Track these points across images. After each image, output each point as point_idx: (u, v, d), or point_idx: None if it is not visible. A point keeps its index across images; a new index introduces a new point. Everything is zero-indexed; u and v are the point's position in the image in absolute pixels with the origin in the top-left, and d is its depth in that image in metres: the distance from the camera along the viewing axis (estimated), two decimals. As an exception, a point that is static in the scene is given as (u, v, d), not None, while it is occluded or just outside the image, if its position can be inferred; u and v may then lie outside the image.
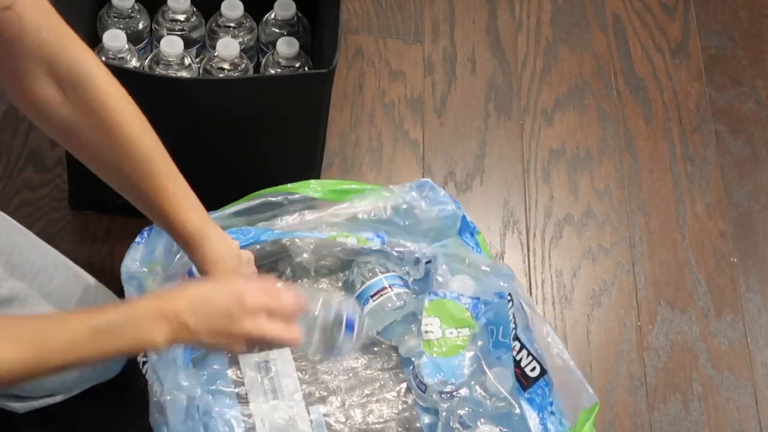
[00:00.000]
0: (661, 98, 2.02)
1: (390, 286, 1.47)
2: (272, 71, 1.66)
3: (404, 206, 1.52)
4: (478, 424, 1.40)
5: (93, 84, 1.16)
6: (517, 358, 1.40)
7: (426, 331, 1.45)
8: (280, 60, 1.66)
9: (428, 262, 1.52)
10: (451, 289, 1.49)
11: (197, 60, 1.70)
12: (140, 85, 1.47)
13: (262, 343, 1.21)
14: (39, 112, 1.17)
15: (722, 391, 1.71)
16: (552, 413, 1.40)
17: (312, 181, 1.52)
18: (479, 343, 1.48)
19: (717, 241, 1.87)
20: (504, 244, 1.82)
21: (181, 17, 1.70)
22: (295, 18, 1.73)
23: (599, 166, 1.93)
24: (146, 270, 1.42)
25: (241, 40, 1.68)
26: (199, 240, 1.24)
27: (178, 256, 1.40)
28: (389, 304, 1.46)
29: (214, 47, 1.66)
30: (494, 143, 1.93)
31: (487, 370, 1.44)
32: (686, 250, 1.85)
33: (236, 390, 1.43)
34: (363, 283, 1.49)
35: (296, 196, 1.50)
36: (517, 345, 1.41)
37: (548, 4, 2.12)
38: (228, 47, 1.63)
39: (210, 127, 1.54)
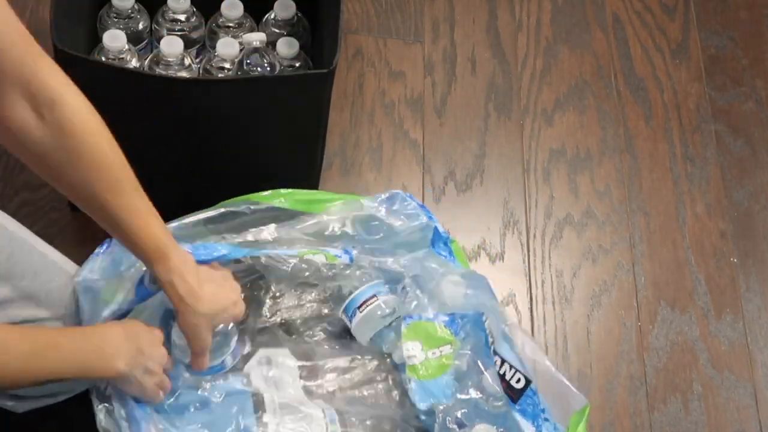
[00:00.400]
0: (661, 98, 2.02)
1: (376, 295, 1.46)
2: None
3: (374, 222, 1.49)
4: (475, 423, 1.40)
5: (69, 107, 1.19)
6: (501, 372, 1.40)
7: (408, 356, 1.43)
8: (280, 60, 1.67)
9: (403, 288, 1.51)
10: (425, 310, 1.48)
11: (197, 60, 1.70)
12: (140, 85, 1.48)
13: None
14: (14, 136, 1.20)
15: (722, 391, 1.71)
16: (546, 420, 1.39)
17: (280, 190, 1.48)
18: (468, 348, 1.47)
19: (717, 241, 1.87)
20: (504, 245, 1.82)
21: (181, 17, 1.70)
22: (295, 18, 1.73)
23: (599, 166, 1.93)
24: (104, 283, 1.41)
25: (241, 40, 1.68)
26: (164, 252, 1.27)
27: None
28: (378, 312, 1.45)
29: (214, 47, 1.66)
30: (494, 143, 1.93)
31: (483, 370, 1.44)
32: (686, 250, 1.85)
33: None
34: (351, 293, 1.48)
35: (262, 206, 1.47)
36: (498, 359, 1.40)
37: (548, 4, 2.12)
38: (228, 47, 1.63)
39: (209, 127, 1.54)
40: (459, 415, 1.41)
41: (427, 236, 1.52)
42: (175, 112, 1.50)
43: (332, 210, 1.48)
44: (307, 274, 1.43)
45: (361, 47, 2.02)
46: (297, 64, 1.68)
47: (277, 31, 1.73)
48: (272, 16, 1.73)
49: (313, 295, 1.49)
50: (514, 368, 1.39)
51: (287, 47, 1.67)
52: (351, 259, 1.45)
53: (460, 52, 2.03)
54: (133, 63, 1.64)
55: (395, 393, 1.47)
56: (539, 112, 1.98)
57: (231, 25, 1.71)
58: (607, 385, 1.70)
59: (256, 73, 1.62)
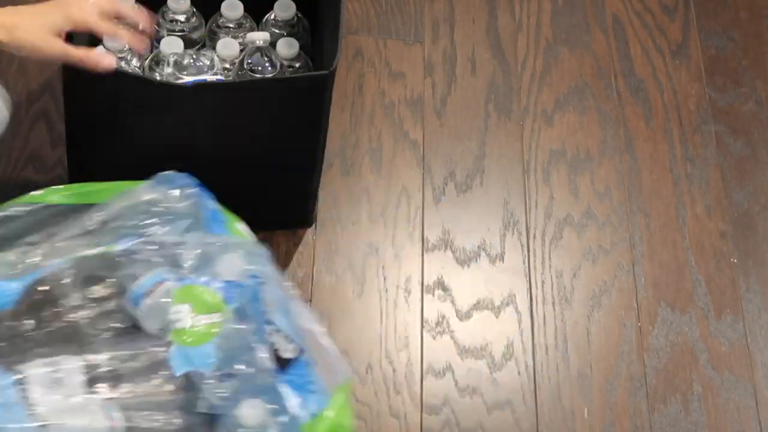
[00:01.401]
0: (661, 99, 2.02)
1: (162, 281, 1.41)
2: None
3: (154, 207, 1.46)
4: (241, 400, 1.35)
5: None
6: (272, 340, 1.36)
7: (175, 320, 1.37)
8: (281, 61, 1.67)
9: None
10: (202, 274, 1.43)
11: None
12: (137, 91, 1.47)
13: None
14: None
15: (722, 392, 1.71)
16: (312, 392, 1.37)
17: (56, 187, 1.45)
18: (240, 317, 1.41)
19: (717, 241, 1.87)
20: (504, 245, 1.82)
21: (181, 18, 1.70)
22: (295, 18, 1.73)
23: (599, 166, 1.93)
24: None
25: (241, 40, 1.68)
26: None
27: None
28: (164, 299, 1.39)
29: (214, 48, 1.66)
30: (494, 144, 1.93)
31: (253, 342, 1.38)
32: (686, 251, 1.85)
33: None
34: (134, 282, 1.44)
35: (39, 205, 1.43)
36: (271, 328, 1.37)
37: (548, 4, 2.12)
38: (228, 47, 1.63)
39: (207, 130, 1.54)
40: (226, 390, 1.39)
41: (205, 217, 1.50)
42: (174, 117, 1.49)
43: (111, 200, 1.44)
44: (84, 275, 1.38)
45: (361, 48, 2.02)
46: (297, 65, 1.68)
47: (276, 31, 1.73)
48: (272, 17, 1.73)
49: (98, 291, 1.41)
50: (286, 338, 1.37)
51: (287, 48, 1.67)
52: (131, 248, 1.41)
53: (460, 53, 2.03)
54: (134, 63, 1.64)
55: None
56: (539, 113, 1.98)
57: (231, 25, 1.71)
58: (607, 386, 1.70)
59: (258, 72, 1.62)
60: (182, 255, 1.42)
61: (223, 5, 1.70)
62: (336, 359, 1.41)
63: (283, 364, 1.37)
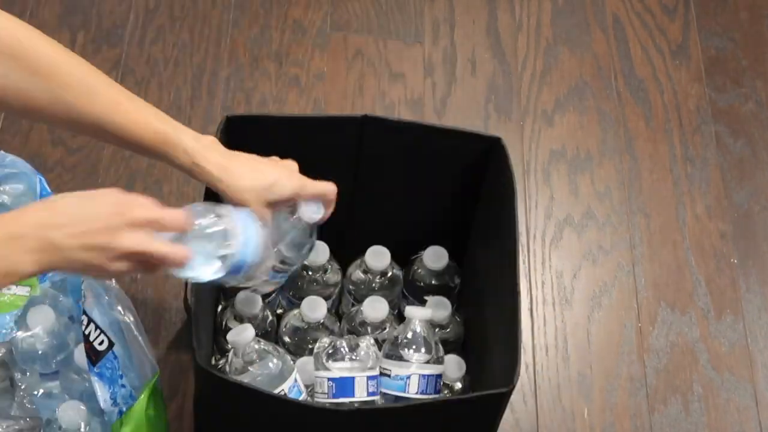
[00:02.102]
0: (661, 99, 2.02)
1: None
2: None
3: None
4: (62, 401, 1.36)
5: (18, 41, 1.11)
6: (86, 332, 1.34)
7: None
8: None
9: None
10: None
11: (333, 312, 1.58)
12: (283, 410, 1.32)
13: (144, 264, 1.06)
14: None
15: (722, 393, 1.71)
16: (123, 386, 1.36)
17: None
18: (54, 298, 1.41)
19: (717, 242, 1.86)
20: (504, 246, 1.82)
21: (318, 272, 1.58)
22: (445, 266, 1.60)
23: (599, 167, 1.93)
24: None
25: (405, 311, 1.50)
26: (174, 134, 1.15)
27: None
28: None
29: (354, 297, 1.57)
30: (494, 144, 1.93)
31: (74, 347, 1.38)
32: (686, 251, 1.85)
33: None
34: None
35: None
36: (85, 319, 1.34)
37: (548, 5, 2.11)
38: (375, 309, 1.51)
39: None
40: (43, 392, 1.37)
41: (36, 191, 1.52)
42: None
43: None
44: None
45: (361, 48, 2.02)
46: (447, 329, 1.58)
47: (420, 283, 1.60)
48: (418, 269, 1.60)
49: None
50: (100, 329, 1.35)
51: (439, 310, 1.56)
52: None
53: (460, 53, 2.03)
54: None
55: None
56: (539, 113, 1.98)
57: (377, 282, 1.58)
58: (607, 386, 1.70)
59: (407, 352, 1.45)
60: None
61: (368, 254, 1.57)
62: (145, 355, 1.39)
63: (95, 356, 1.34)
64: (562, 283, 1.79)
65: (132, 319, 1.45)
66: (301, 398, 1.40)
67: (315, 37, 2.02)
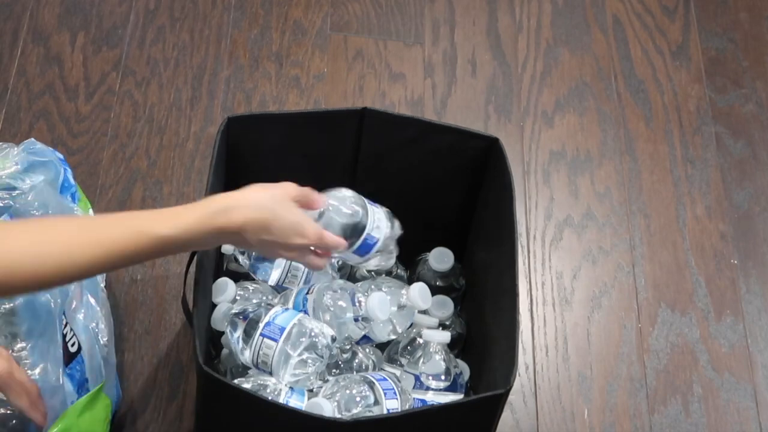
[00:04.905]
0: (661, 100, 2.02)
1: None
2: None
3: (16, 173, 1.50)
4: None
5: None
6: (64, 332, 1.40)
7: None
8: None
9: None
10: None
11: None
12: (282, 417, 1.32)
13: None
14: None
15: (722, 393, 1.71)
16: (87, 389, 1.43)
17: None
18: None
19: (717, 243, 1.86)
20: (504, 246, 1.82)
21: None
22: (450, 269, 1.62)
23: (599, 168, 1.93)
24: None
25: (420, 334, 1.50)
26: (153, 229, 1.21)
27: None
28: None
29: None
30: (494, 145, 1.93)
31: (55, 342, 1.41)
32: (686, 252, 1.85)
33: None
34: None
35: None
36: (65, 320, 1.41)
37: (548, 6, 2.11)
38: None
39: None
40: None
41: (57, 182, 1.55)
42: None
43: None
44: None
45: (361, 49, 2.02)
46: (447, 323, 1.59)
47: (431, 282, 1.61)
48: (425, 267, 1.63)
49: None
50: (74, 332, 1.41)
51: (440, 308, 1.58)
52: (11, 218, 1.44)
53: (460, 54, 2.03)
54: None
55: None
56: (539, 114, 1.98)
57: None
58: (607, 387, 1.70)
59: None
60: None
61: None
62: (105, 363, 1.46)
63: (67, 357, 1.41)
64: (562, 284, 1.79)
65: (103, 326, 1.49)
66: (302, 402, 1.40)
67: (315, 37, 2.02)
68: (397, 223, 1.44)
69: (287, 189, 1.31)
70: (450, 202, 1.58)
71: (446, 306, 1.58)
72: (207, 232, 1.23)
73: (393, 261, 1.48)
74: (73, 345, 1.42)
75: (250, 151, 1.51)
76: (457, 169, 1.55)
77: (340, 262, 1.55)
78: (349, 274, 1.59)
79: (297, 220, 1.30)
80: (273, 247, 1.30)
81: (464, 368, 1.52)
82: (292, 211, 1.29)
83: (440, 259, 1.60)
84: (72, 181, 1.58)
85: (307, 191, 1.33)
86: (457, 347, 1.58)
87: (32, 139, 1.55)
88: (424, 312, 1.54)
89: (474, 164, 1.54)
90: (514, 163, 1.91)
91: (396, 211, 1.45)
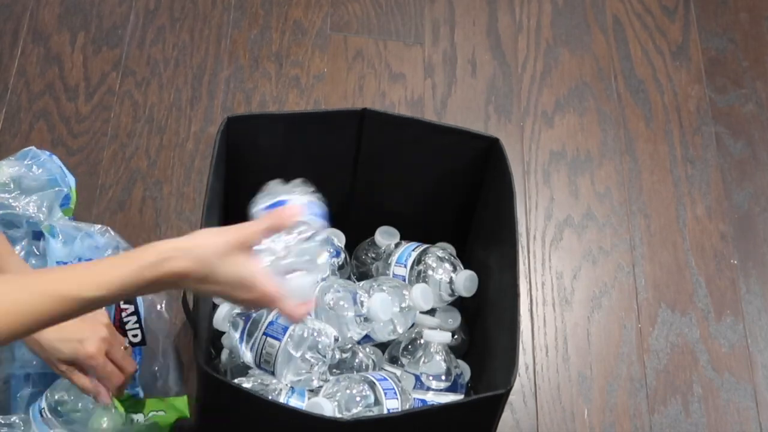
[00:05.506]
0: (661, 100, 2.02)
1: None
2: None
3: (10, 182, 1.53)
4: None
5: None
6: (124, 317, 1.45)
7: None
8: None
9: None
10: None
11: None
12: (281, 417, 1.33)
13: None
14: None
15: (722, 393, 1.71)
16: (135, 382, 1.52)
17: None
18: None
19: (717, 243, 1.86)
20: (504, 246, 1.82)
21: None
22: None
23: (599, 168, 1.93)
24: None
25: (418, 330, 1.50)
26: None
27: None
28: None
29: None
30: (494, 145, 1.93)
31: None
32: (686, 252, 1.85)
33: None
34: None
35: None
36: (132, 308, 1.46)
37: (548, 6, 2.11)
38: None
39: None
40: None
41: (61, 191, 1.57)
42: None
43: None
44: None
45: (362, 49, 2.02)
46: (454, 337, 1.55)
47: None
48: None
49: None
50: (140, 324, 1.49)
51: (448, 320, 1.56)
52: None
53: (460, 54, 2.03)
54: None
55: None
56: (539, 114, 1.98)
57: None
58: (607, 387, 1.70)
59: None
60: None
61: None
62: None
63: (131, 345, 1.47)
64: (562, 284, 1.79)
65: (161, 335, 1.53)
66: (302, 403, 1.40)
67: (315, 37, 2.02)
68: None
69: (242, 233, 1.15)
70: (450, 202, 1.58)
71: (454, 317, 1.57)
72: (138, 286, 1.11)
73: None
74: (135, 336, 1.48)
75: (250, 151, 1.51)
76: (457, 169, 1.55)
77: (340, 262, 1.55)
78: (349, 274, 1.60)
79: (243, 275, 1.14)
80: (223, 297, 1.20)
81: (465, 369, 1.52)
82: (240, 264, 1.14)
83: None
84: (70, 203, 1.60)
85: (274, 219, 1.17)
86: (461, 352, 1.58)
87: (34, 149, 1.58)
88: (429, 312, 1.54)
89: (474, 164, 1.54)
90: (514, 163, 1.91)
91: (397, 211, 1.45)
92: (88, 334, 1.36)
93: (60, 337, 1.35)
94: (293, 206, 1.21)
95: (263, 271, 1.15)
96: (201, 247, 1.13)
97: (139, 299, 1.52)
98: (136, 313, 1.47)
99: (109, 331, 1.40)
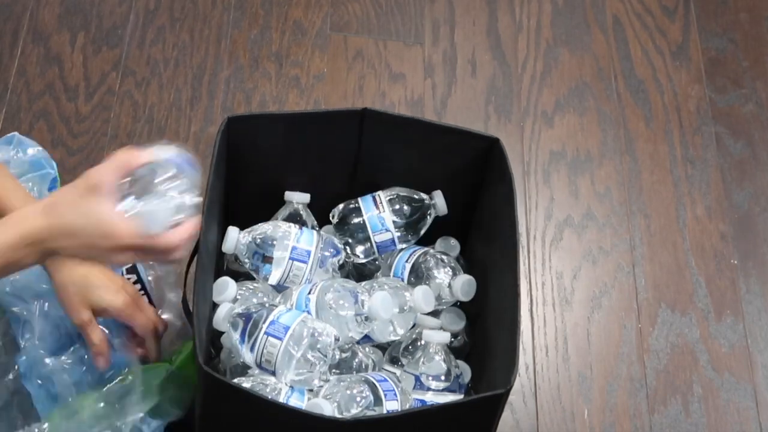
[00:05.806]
0: (661, 100, 2.02)
1: None
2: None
3: None
4: None
5: None
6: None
7: None
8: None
9: None
10: None
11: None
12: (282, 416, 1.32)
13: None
14: None
15: (722, 393, 1.71)
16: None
17: None
18: None
19: (717, 243, 1.86)
20: (504, 246, 1.82)
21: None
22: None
23: (599, 168, 1.93)
24: None
25: (419, 331, 1.49)
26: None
27: None
28: None
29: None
30: (494, 145, 1.93)
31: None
32: (686, 252, 1.85)
33: None
34: None
35: None
36: (134, 277, 1.51)
37: (548, 6, 2.12)
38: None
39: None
40: None
41: (48, 173, 1.59)
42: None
43: None
44: None
45: (361, 49, 2.02)
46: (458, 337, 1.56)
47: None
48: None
49: None
50: (144, 288, 1.55)
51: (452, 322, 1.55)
52: None
53: (460, 54, 2.03)
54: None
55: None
56: (539, 114, 1.98)
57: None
58: (607, 387, 1.70)
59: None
60: None
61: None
62: None
63: None
64: (562, 284, 1.79)
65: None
66: (302, 402, 1.40)
67: (315, 37, 2.02)
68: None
69: (89, 176, 1.13)
70: (450, 202, 1.58)
71: (459, 320, 1.57)
72: (3, 253, 1.09)
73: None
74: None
75: (250, 151, 1.51)
76: (457, 169, 1.55)
77: (341, 261, 1.55)
78: (349, 273, 1.60)
79: (100, 218, 1.11)
80: (93, 254, 1.14)
81: (465, 369, 1.52)
82: (94, 208, 1.10)
83: (446, 248, 1.60)
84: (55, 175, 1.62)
85: (119, 157, 1.15)
86: (463, 354, 1.57)
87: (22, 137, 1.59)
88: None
89: (474, 165, 1.54)
90: (514, 163, 1.90)
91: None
92: (125, 284, 1.41)
93: (102, 284, 1.35)
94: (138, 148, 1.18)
95: (121, 215, 1.12)
96: (53, 202, 1.12)
97: (140, 267, 1.54)
98: (140, 281, 1.52)
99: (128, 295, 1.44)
